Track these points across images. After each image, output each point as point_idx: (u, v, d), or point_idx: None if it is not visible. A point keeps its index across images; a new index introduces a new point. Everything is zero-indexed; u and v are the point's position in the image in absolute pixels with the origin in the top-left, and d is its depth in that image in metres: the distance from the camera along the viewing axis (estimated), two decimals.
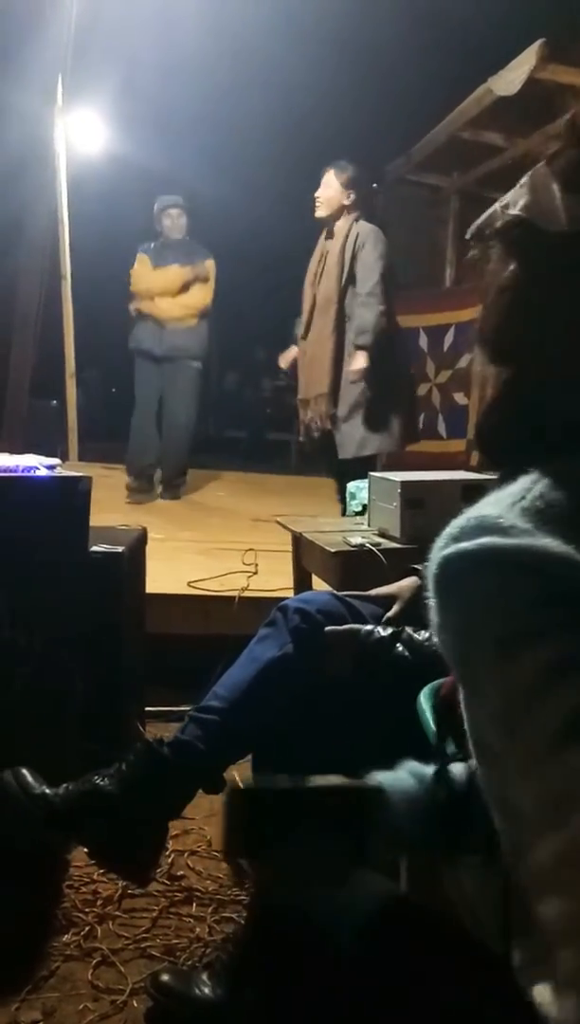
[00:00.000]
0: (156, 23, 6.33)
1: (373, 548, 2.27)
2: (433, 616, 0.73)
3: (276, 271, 5.68)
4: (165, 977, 1.69)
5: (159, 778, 1.69)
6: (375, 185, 4.50)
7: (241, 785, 0.96)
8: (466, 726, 0.74)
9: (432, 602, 0.72)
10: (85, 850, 1.88)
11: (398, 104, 7.28)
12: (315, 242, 4.49)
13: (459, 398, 6.77)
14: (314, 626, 1.73)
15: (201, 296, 5.69)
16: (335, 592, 1.91)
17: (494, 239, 0.83)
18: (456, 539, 0.70)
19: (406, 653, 1.62)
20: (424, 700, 1.34)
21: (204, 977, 1.67)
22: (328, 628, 1.71)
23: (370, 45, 6.94)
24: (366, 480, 2.70)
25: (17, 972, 1.73)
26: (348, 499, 2.96)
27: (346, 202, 4.23)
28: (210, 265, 5.73)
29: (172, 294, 5.64)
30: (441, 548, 0.71)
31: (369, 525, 2.57)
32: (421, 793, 0.98)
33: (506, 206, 0.82)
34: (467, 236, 0.85)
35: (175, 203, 5.77)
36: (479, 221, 0.84)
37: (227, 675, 1.78)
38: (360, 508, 2.81)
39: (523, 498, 0.69)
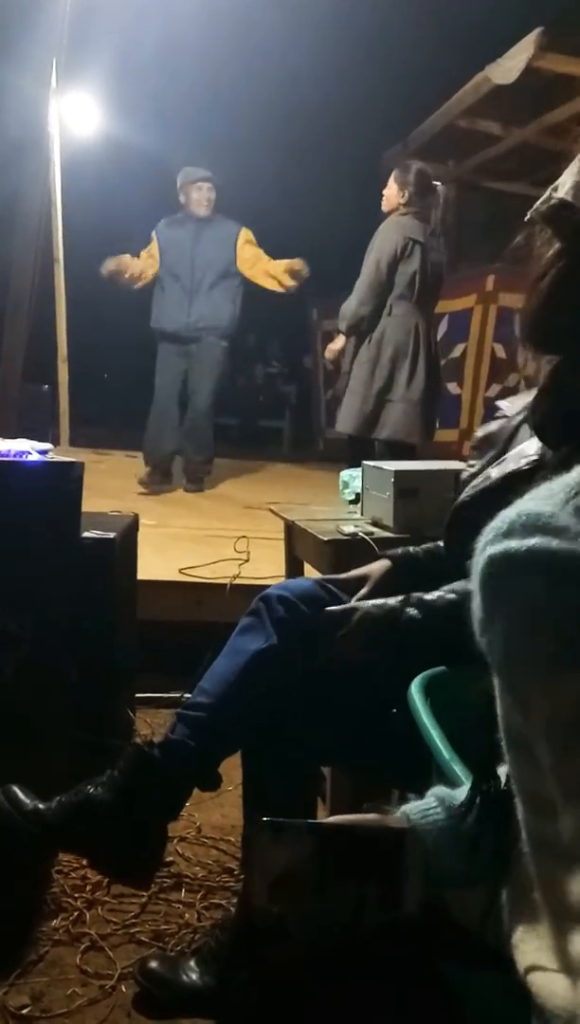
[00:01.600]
0: (153, 3, 6.28)
1: (366, 537, 2.27)
2: (476, 611, 0.70)
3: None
4: (153, 964, 1.69)
5: (152, 781, 1.67)
6: (439, 184, 4.59)
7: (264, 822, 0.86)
8: (500, 718, 0.73)
9: (476, 598, 0.69)
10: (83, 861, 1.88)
11: (395, 91, 7.25)
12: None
13: (452, 388, 6.77)
14: (297, 615, 1.71)
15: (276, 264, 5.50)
16: (315, 579, 1.89)
17: (541, 223, 0.81)
18: (505, 535, 0.66)
19: (418, 615, 1.58)
20: (415, 692, 1.33)
21: (192, 963, 1.67)
22: (327, 608, 1.68)
23: (368, 30, 6.91)
24: (359, 469, 2.69)
25: (6, 957, 1.74)
26: (341, 488, 2.96)
27: (401, 200, 4.44)
28: (248, 235, 5.52)
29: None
30: (488, 543, 0.67)
31: (362, 514, 2.57)
32: (454, 826, 0.90)
33: (555, 188, 0.79)
34: (526, 219, 0.83)
35: (206, 177, 5.49)
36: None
37: (212, 669, 1.75)
38: (353, 497, 2.81)
39: (578, 494, 0.65)
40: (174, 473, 5.76)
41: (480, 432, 1.78)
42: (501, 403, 1.79)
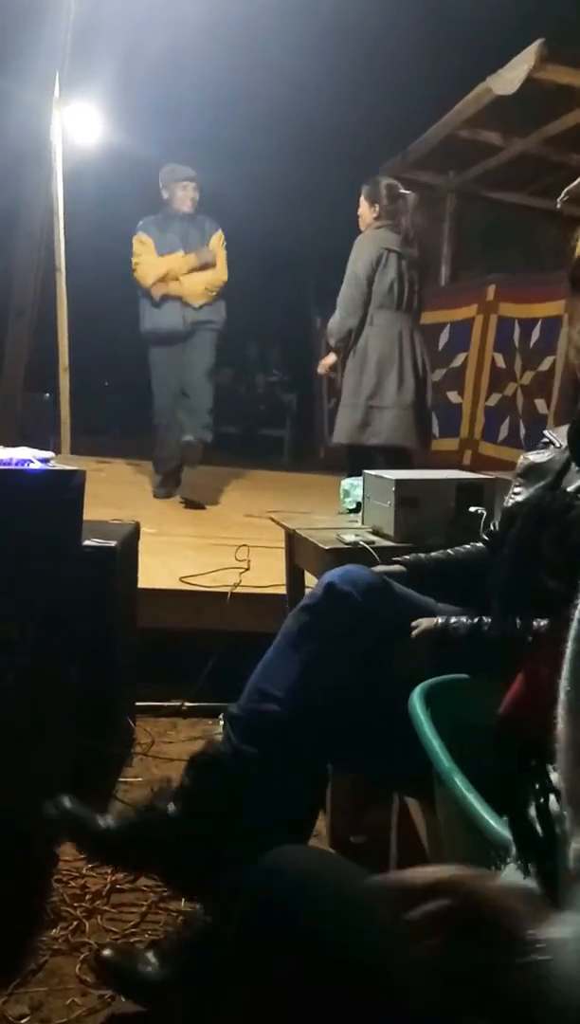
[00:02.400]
0: (156, 14, 6.31)
1: (367, 546, 2.27)
2: None
3: (272, 265, 5.65)
4: (107, 953, 1.65)
5: (223, 796, 1.61)
6: (408, 193, 4.69)
7: None
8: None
9: None
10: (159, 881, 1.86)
11: (396, 101, 7.28)
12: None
13: (453, 397, 6.79)
14: (361, 613, 1.64)
15: (221, 275, 5.50)
16: (376, 570, 1.82)
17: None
18: None
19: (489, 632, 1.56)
20: (417, 700, 1.33)
21: (149, 956, 1.63)
22: (421, 625, 1.63)
23: (369, 41, 6.94)
24: (360, 478, 2.70)
25: (4, 966, 1.73)
26: (342, 496, 2.96)
27: (374, 215, 4.58)
28: (219, 238, 5.52)
29: (183, 274, 5.47)
30: None
31: (363, 523, 2.57)
32: None
33: None
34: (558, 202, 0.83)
35: (192, 176, 5.51)
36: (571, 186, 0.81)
37: (271, 667, 1.67)
38: (354, 506, 2.81)
39: None
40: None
41: (527, 459, 1.78)
42: (549, 432, 1.79)
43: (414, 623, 1.65)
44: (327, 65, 6.99)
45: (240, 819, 1.62)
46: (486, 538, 1.93)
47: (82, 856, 1.82)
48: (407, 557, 1.87)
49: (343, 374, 4.58)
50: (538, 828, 0.86)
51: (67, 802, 1.66)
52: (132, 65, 6.60)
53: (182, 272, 5.45)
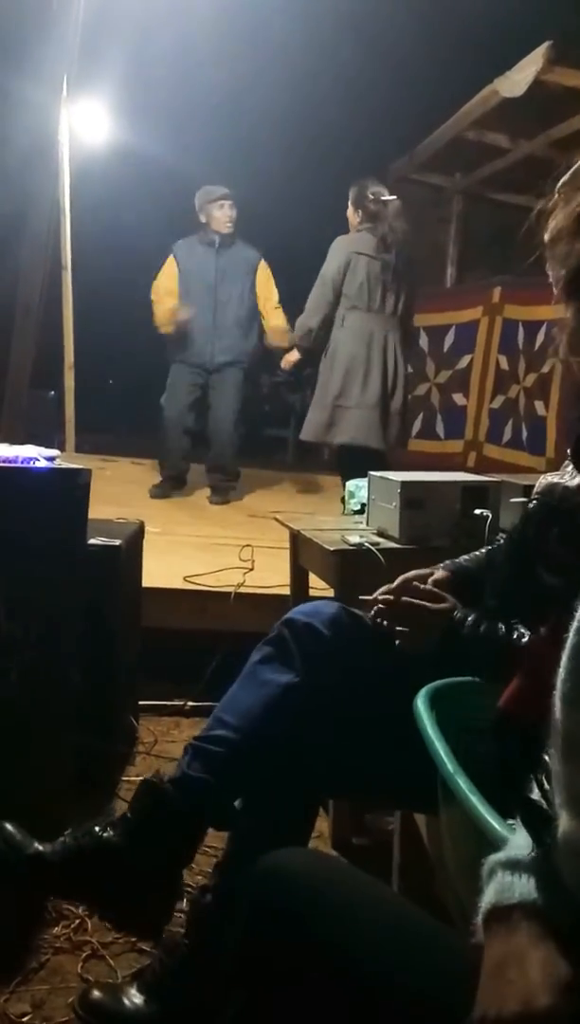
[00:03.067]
0: (165, 14, 6.30)
1: (372, 548, 2.27)
2: None
3: (279, 265, 5.64)
4: (94, 995, 1.61)
5: (169, 824, 1.55)
6: (392, 198, 4.86)
7: None
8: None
9: None
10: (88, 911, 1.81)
11: (404, 102, 7.27)
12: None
13: (458, 399, 6.78)
14: (325, 647, 1.62)
15: (282, 319, 5.49)
16: (339, 603, 1.79)
17: None
18: None
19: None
20: (421, 703, 1.33)
21: (133, 990, 1.61)
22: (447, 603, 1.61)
23: (378, 43, 6.93)
24: (365, 479, 2.70)
25: (6, 964, 1.73)
26: (347, 498, 2.96)
27: (357, 219, 4.79)
28: (266, 272, 5.53)
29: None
30: None
31: (368, 524, 2.57)
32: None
33: None
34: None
35: (226, 194, 5.44)
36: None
37: (231, 699, 1.64)
38: (359, 507, 2.81)
39: None
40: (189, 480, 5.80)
41: (547, 479, 1.75)
42: None
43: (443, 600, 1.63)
44: (335, 67, 6.98)
45: (184, 848, 1.59)
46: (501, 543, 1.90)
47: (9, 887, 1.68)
48: (447, 563, 1.83)
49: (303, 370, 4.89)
50: (544, 806, 0.87)
51: (6, 826, 1.59)
52: (141, 64, 6.60)
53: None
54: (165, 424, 5.66)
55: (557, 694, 0.81)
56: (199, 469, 5.85)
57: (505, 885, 0.81)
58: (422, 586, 1.67)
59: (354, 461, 4.26)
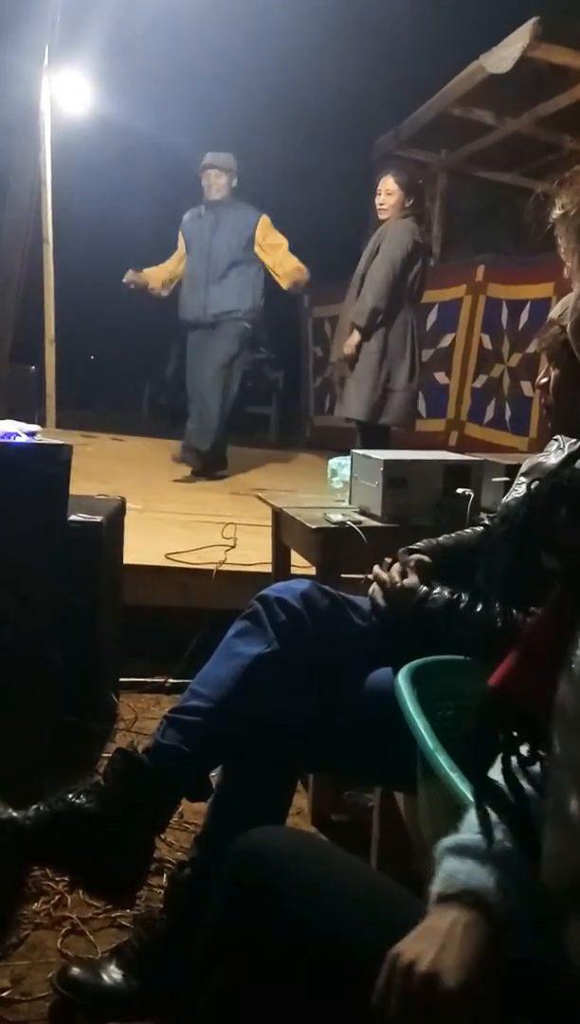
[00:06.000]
0: None
1: (354, 526, 2.27)
2: None
3: None
4: (73, 971, 1.61)
5: (141, 790, 1.56)
6: (421, 181, 4.85)
7: None
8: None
9: None
10: (64, 877, 1.82)
11: (389, 79, 7.22)
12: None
13: (440, 377, 6.77)
14: (298, 620, 1.66)
15: (293, 260, 5.49)
16: (313, 580, 1.85)
17: None
18: None
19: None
20: (402, 681, 1.33)
21: (113, 966, 1.62)
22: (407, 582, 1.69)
23: (365, 17, 6.86)
24: (347, 457, 2.69)
25: None
26: (329, 475, 2.95)
27: (407, 204, 4.68)
28: (268, 224, 5.50)
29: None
30: None
31: (350, 503, 2.57)
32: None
33: None
34: None
35: (209, 163, 5.50)
36: None
37: (206, 672, 1.67)
38: (341, 485, 2.81)
39: None
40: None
41: (535, 459, 1.77)
42: (560, 438, 1.76)
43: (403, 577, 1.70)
44: (322, 41, 6.91)
45: (156, 815, 1.62)
46: (486, 523, 1.91)
47: None
48: (421, 544, 1.85)
49: (363, 352, 4.68)
50: (506, 791, 0.90)
51: None
52: (124, 34, 6.52)
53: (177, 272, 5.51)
54: (189, 397, 5.62)
55: (566, 671, 0.82)
56: (177, 445, 5.84)
57: (449, 872, 0.85)
58: (396, 561, 1.75)
59: (378, 440, 4.44)
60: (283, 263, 5.50)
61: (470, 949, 0.79)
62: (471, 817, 0.91)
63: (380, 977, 0.81)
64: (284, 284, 5.54)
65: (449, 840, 0.89)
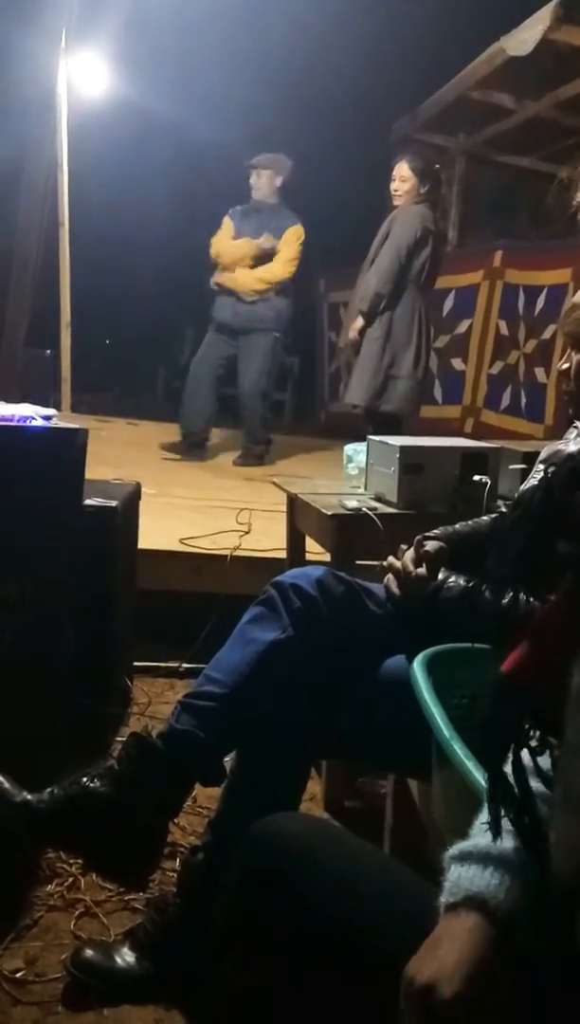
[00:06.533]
0: None
1: (369, 512, 2.26)
2: None
3: None
4: (87, 953, 1.63)
5: (155, 774, 1.57)
6: (437, 166, 4.85)
7: None
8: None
9: None
10: (78, 860, 1.83)
11: (408, 60, 7.14)
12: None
13: (457, 364, 6.74)
14: (313, 606, 1.65)
15: (277, 269, 5.46)
16: (328, 565, 1.85)
17: None
18: None
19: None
20: (418, 668, 1.33)
21: (126, 949, 1.63)
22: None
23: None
24: (363, 443, 2.68)
25: (0, 921, 1.74)
26: (345, 461, 2.94)
27: (422, 190, 4.61)
28: (292, 232, 5.47)
29: (247, 265, 5.46)
30: None
31: (366, 489, 2.56)
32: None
33: None
34: None
35: (250, 164, 5.49)
36: None
37: (221, 658, 1.67)
38: (357, 471, 2.80)
39: None
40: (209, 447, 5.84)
41: (554, 446, 1.74)
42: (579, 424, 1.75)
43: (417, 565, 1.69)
44: (340, 22, 6.84)
45: (170, 799, 1.62)
46: (503, 510, 1.90)
47: None
48: (438, 531, 1.84)
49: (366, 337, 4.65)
50: (512, 783, 0.89)
51: None
52: (141, 17, 6.48)
53: (244, 258, 5.45)
54: (187, 383, 5.74)
55: None
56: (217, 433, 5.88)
57: (453, 881, 0.86)
58: (413, 549, 1.73)
59: (388, 428, 4.33)
60: (266, 268, 5.48)
61: (469, 953, 0.80)
62: (478, 821, 0.91)
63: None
64: (253, 274, 5.53)
65: (454, 849, 0.89)
